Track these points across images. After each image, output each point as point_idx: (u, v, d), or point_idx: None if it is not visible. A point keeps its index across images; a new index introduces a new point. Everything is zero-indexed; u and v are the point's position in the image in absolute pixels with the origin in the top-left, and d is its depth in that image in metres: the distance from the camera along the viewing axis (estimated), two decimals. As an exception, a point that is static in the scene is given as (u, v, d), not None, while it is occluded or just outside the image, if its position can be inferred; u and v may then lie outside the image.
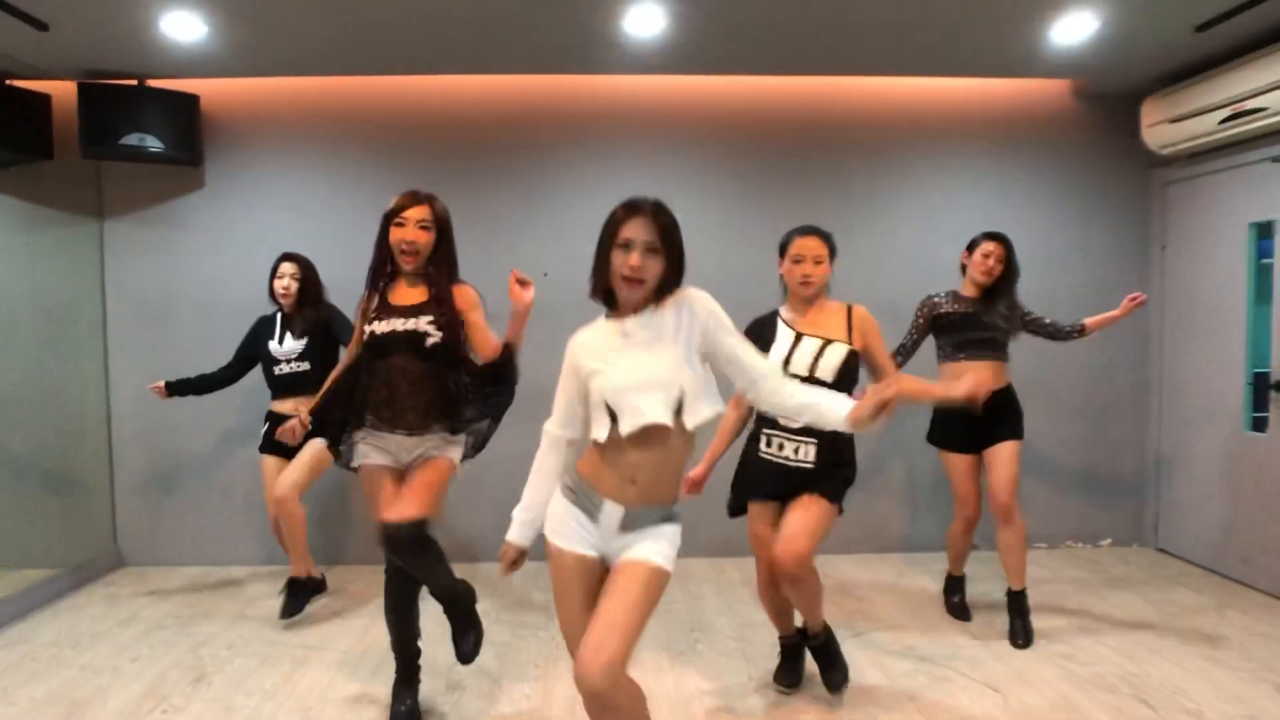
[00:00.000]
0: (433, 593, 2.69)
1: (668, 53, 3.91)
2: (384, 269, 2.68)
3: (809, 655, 2.99)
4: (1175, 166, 4.42)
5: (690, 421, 1.90)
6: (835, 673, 2.87)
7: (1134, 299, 3.53)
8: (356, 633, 3.49)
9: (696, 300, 1.95)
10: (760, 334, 2.77)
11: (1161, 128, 4.20)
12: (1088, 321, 3.60)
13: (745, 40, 3.78)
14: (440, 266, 2.69)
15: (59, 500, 4.15)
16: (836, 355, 2.67)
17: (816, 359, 2.67)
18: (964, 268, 3.55)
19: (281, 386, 3.73)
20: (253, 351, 3.81)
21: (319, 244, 4.12)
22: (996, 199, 4.54)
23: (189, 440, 4.37)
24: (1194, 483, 4.34)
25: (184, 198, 4.31)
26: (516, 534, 2.10)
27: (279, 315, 3.77)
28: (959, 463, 3.50)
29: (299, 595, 3.62)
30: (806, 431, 2.68)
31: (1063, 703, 2.84)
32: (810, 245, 2.72)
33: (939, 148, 4.52)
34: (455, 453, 2.72)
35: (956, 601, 3.69)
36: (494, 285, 2.85)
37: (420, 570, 2.63)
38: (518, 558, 2.12)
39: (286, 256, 3.76)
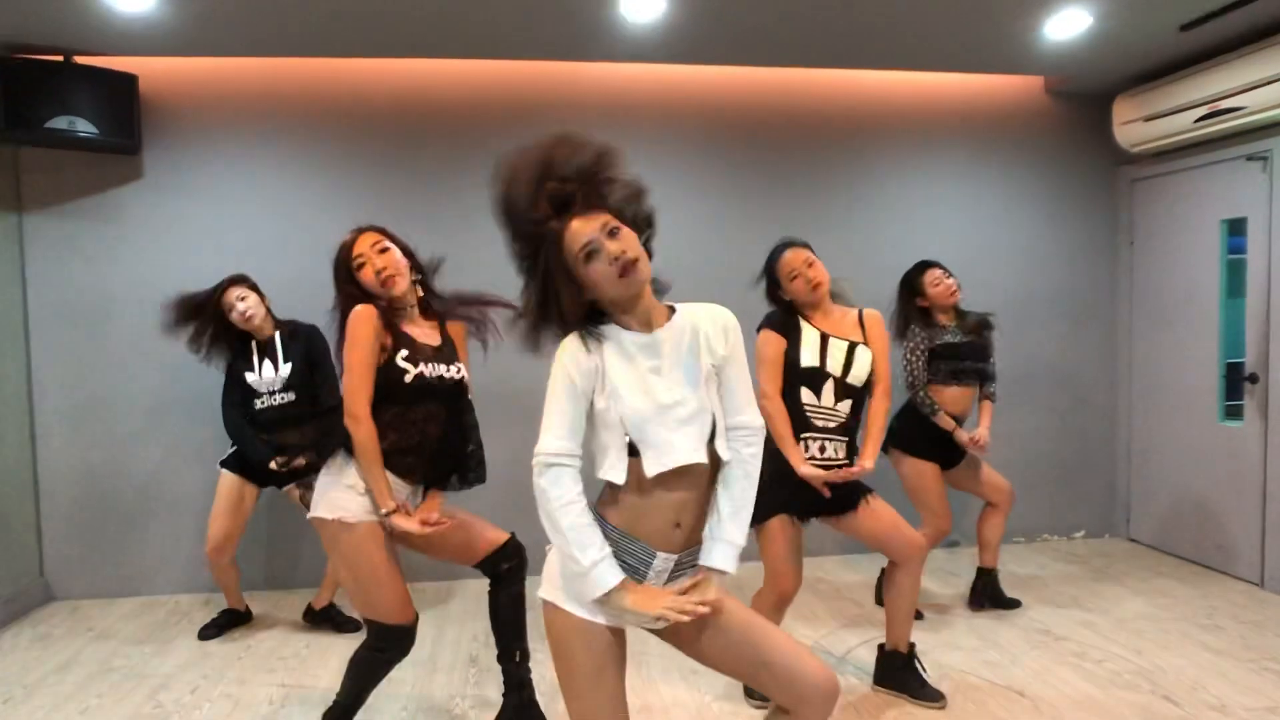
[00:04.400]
0: (505, 650, 2.55)
1: (655, 41, 3.73)
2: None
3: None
4: (1142, 164, 4.50)
5: (724, 452, 1.63)
6: (927, 686, 2.86)
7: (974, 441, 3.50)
8: (335, 668, 3.18)
9: (716, 319, 1.68)
10: (785, 325, 2.72)
11: (1134, 126, 4.26)
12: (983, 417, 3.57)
13: (736, 31, 3.64)
14: (431, 294, 2.49)
15: (-26, 529, 3.67)
16: (866, 360, 2.68)
17: (848, 363, 2.66)
18: (916, 307, 3.51)
19: (265, 424, 3.33)
20: (239, 384, 3.36)
21: (270, 240, 3.80)
22: (971, 194, 4.54)
23: (125, 458, 3.93)
24: (1167, 474, 4.44)
25: (119, 189, 3.87)
26: (614, 574, 1.55)
27: (253, 342, 3.37)
28: (933, 474, 3.47)
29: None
30: (840, 430, 2.66)
31: (1087, 702, 2.81)
32: (796, 255, 2.71)
33: (911, 143, 4.48)
34: None
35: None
36: (468, 284, 2.61)
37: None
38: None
39: (233, 281, 3.32)
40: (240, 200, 3.95)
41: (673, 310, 1.68)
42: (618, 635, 1.64)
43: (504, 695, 2.56)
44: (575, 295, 1.58)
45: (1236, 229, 4.05)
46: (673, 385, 1.59)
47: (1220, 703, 2.80)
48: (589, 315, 1.62)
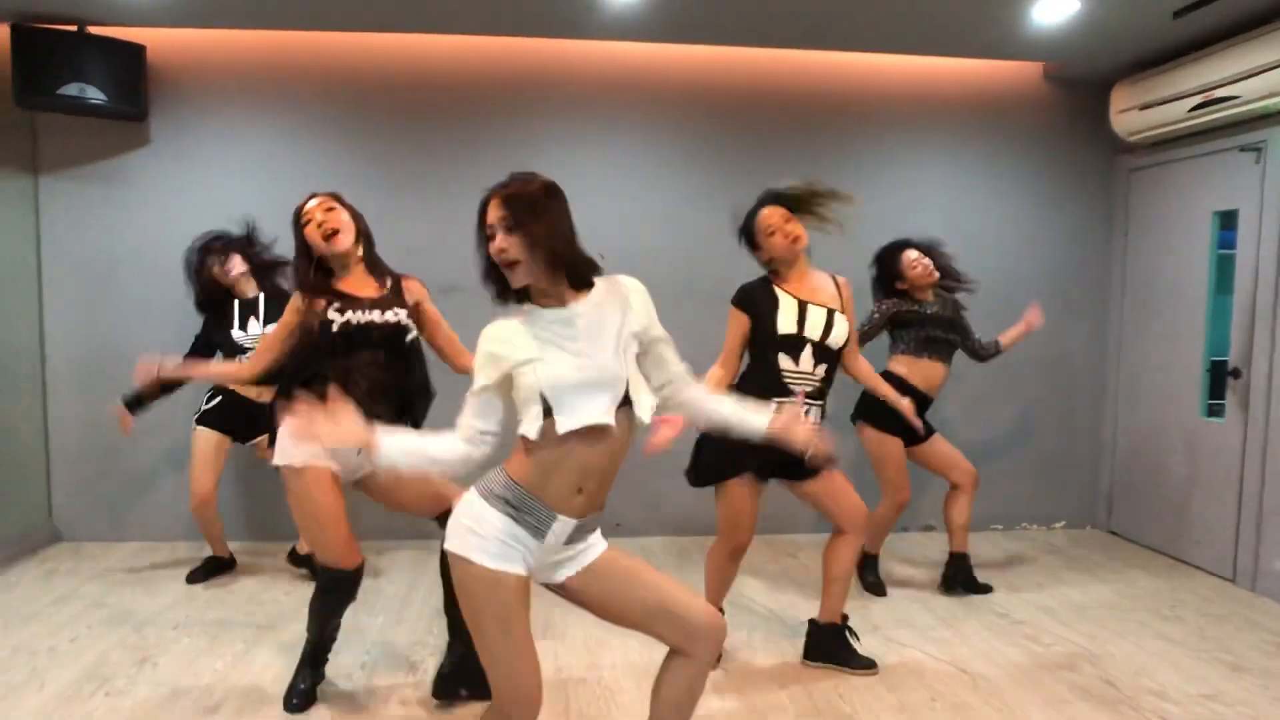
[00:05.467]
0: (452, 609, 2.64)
1: (643, 19, 3.79)
2: (309, 273, 2.53)
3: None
4: (1140, 154, 4.46)
5: (644, 415, 1.75)
6: (858, 655, 2.95)
7: (1031, 318, 3.70)
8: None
9: (634, 292, 1.80)
10: (755, 302, 2.76)
11: (1130, 114, 4.22)
12: (1002, 339, 3.72)
13: (724, 11, 3.69)
14: (375, 258, 2.62)
15: (-11, 472, 3.92)
16: (844, 326, 2.74)
17: (827, 329, 2.72)
18: (891, 285, 3.61)
19: None
20: (206, 344, 3.57)
21: (270, 206, 3.86)
22: (964, 179, 4.54)
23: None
24: (1148, 467, 4.42)
25: (127, 155, 4.06)
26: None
27: (235, 301, 3.56)
28: (896, 448, 3.54)
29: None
30: (816, 394, 2.74)
31: (1029, 682, 2.86)
32: (773, 212, 2.75)
33: (909, 126, 4.48)
34: None
35: (873, 581, 3.73)
36: (451, 256, 2.73)
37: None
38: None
39: (211, 249, 3.53)
40: (241, 167, 4.12)
41: (590, 286, 1.78)
42: (522, 585, 1.73)
43: (449, 644, 2.68)
44: (486, 259, 1.74)
45: (1228, 223, 4.00)
46: (587, 354, 1.70)
47: (1160, 688, 2.83)
48: (518, 293, 1.75)
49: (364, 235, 2.58)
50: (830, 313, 2.73)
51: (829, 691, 2.77)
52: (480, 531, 1.69)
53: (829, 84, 4.42)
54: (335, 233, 2.46)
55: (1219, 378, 4.01)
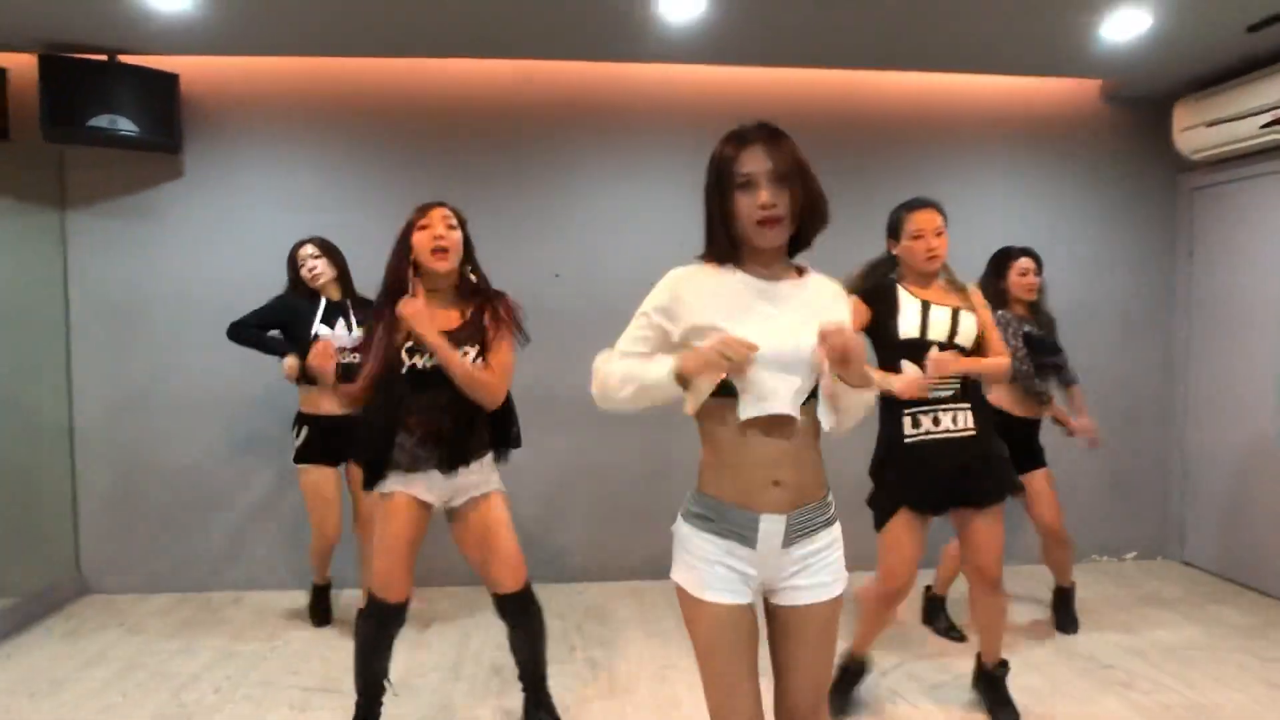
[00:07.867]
0: (524, 667, 2.61)
1: (694, 43, 3.66)
2: (403, 283, 2.37)
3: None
4: (1203, 172, 4.31)
5: (828, 421, 1.57)
6: (1008, 708, 2.74)
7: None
8: (360, 669, 3.16)
9: (837, 297, 1.66)
10: (880, 301, 2.55)
11: (1196, 132, 4.08)
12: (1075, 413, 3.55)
13: (777, 32, 3.56)
14: (467, 281, 2.48)
15: (14, 521, 3.69)
16: (971, 323, 2.53)
17: (954, 325, 2.50)
18: (996, 289, 3.37)
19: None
20: (277, 324, 3.37)
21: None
22: (1020, 201, 4.38)
23: (162, 453, 3.96)
24: (1222, 495, 4.23)
25: (159, 187, 3.91)
26: (668, 361, 1.52)
27: (324, 300, 3.39)
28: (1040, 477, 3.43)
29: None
30: (957, 397, 2.50)
31: (1140, 739, 2.66)
32: (931, 219, 2.53)
33: (962, 146, 4.34)
34: (496, 479, 2.52)
35: (945, 627, 3.52)
36: (496, 279, 2.58)
37: (534, 637, 2.57)
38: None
39: (306, 240, 3.42)
40: (279, 198, 3.96)
41: (802, 271, 1.65)
42: (734, 615, 1.56)
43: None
44: (718, 217, 1.56)
45: (1305, 241, 3.85)
46: (786, 332, 1.52)
47: (1282, 744, 2.63)
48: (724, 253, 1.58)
49: (470, 261, 2.48)
50: (955, 311, 2.51)
51: (931, 754, 2.57)
52: (690, 552, 1.58)
53: (881, 105, 4.28)
54: (445, 251, 2.35)
55: (1297, 402, 3.84)
